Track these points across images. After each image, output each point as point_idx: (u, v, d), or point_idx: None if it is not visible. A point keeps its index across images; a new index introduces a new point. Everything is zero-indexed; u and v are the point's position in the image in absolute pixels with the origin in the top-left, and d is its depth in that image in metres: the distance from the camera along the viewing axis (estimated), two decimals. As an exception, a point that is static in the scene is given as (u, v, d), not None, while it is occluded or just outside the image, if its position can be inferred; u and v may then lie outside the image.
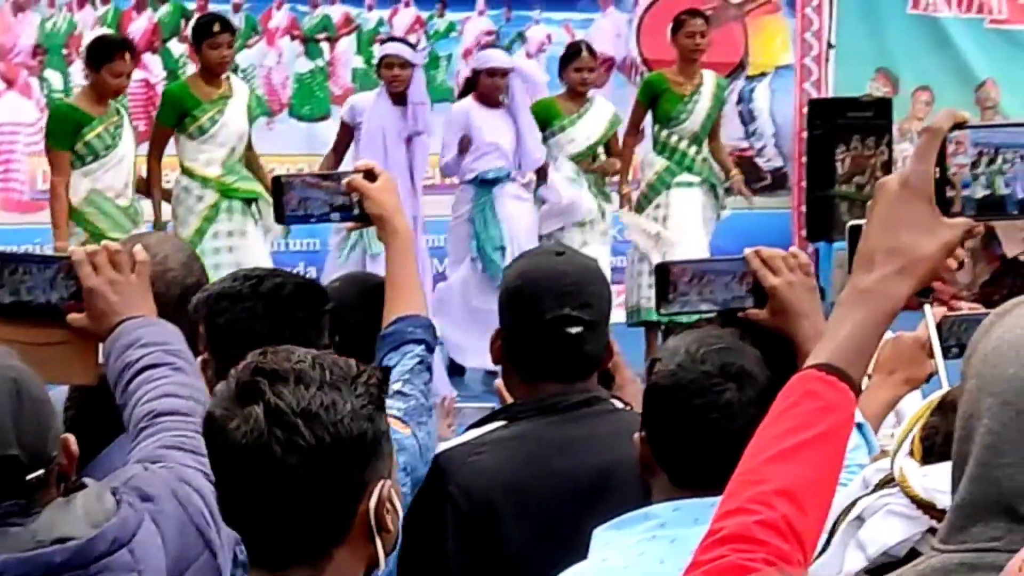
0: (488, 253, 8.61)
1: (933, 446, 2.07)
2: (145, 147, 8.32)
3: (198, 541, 2.06)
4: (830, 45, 11.79)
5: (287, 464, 1.72)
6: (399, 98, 8.40)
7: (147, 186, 8.20)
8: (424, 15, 10.88)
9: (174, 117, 8.13)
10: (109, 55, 7.78)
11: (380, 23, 10.76)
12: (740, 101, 11.66)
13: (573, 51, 9.08)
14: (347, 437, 1.74)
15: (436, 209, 9.05)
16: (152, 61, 10.07)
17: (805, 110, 11.48)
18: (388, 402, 1.91)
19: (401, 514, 1.83)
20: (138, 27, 10.06)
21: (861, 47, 11.89)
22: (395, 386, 2.68)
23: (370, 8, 10.76)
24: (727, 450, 1.82)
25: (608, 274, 9.29)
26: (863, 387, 2.98)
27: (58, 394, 2.58)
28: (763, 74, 11.84)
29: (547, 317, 2.75)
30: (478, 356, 8.12)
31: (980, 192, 1.69)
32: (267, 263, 7.82)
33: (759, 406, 1.93)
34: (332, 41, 10.71)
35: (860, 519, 2.11)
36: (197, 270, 2.80)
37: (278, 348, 1.82)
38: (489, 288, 8.35)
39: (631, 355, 3.20)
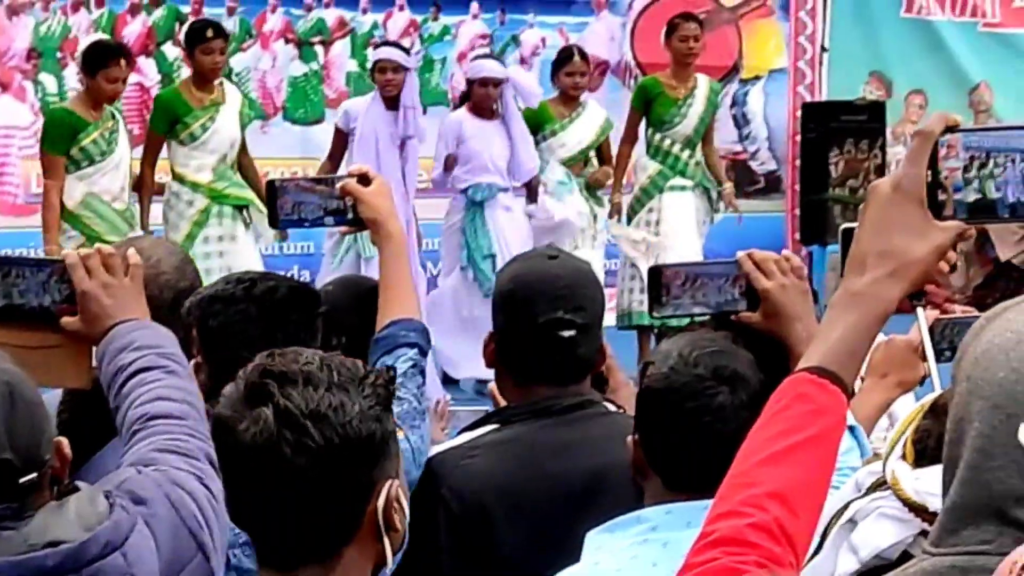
0: (477, 262, 8.62)
1: (925, 449, 2.07)
2: (140, 150, 8.32)
3: (191, 544, 2.06)
4: (824, 49, 11.80)
5: (297, 465, 1.74)
6: (392, 102, 8.40)
7: (139, 191, 8.20)
8: (418, 19, 10.89)
9: (166, 124, 8.14)
10: (104, 61, 7.78)
11: (374, 27, 10.76)
12: (734, 104, 11.67)
13: (565, 55, 9.08)
14: (356, 438, 1.76)
15: (430, 212, 9.05)
16: (146, 65, 10.07)
17: (799, 113, 11.49)
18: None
19: (408, 513, 1.84)
20: (132, 31, 10.06)
21: (855, 51, 11.90)
22: (388, 389, 2.68)
23: (364, 12, 10.76)
24: (720, 453, 1.83)
25: (601, 277, 9.28)
26: (856, 390, 3.00)
27: (52, 397, 2.58)
28: (757, 77, 11.85)
29: (540, 320, 2.75)
30: (469, 366, 8.13)
31: (971, 196, 1.70)
32: (258, 267, 7.83)
33: (752, 409, 1.93)
34: (326, 44, 10.71)
35: (852, 522, 2.11)
36: (190, 274, 2.81)
37: (285, 350, 1.83)
38: (478, 297, 8.37)
39: (624, 359, 3.20)
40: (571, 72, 8.91)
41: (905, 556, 2.00)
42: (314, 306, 2.62)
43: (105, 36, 9.22)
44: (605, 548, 2.25)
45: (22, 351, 2.28)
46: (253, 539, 1.84)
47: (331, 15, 10.69)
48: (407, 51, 8.73)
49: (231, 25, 10.21)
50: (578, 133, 8.97)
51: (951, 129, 1.70)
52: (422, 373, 2.83)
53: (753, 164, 11.90)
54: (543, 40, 11.18)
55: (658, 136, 9.13)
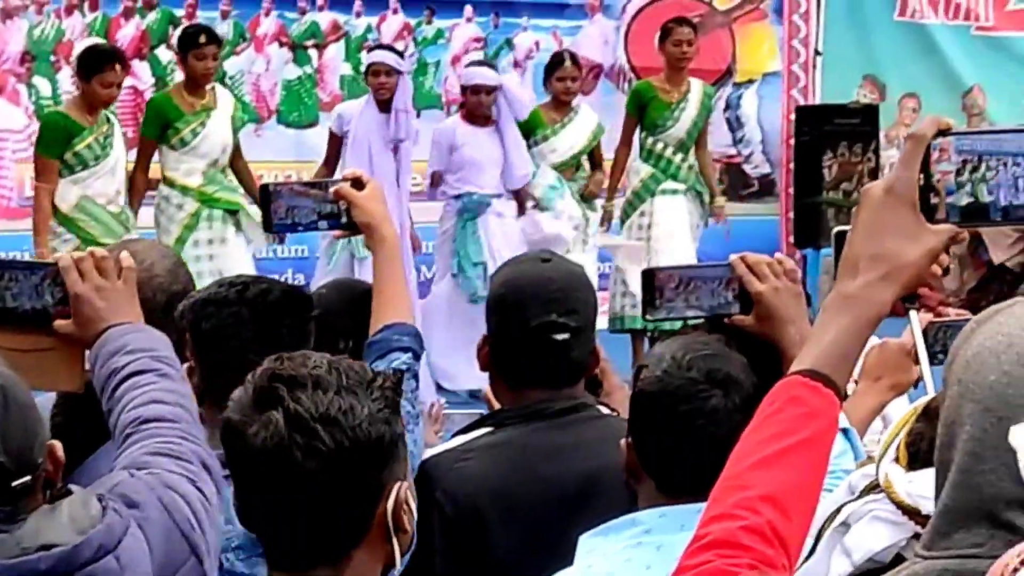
0: (465, 269, 8.63)
1: (918, 452, 2.07)
2: (135, 152, 8.32)
3: (184, 547, 2.06)
4: (817, 52, 11.81)
5: (307, 468, 1.75)
6: (385, 105, 8.41)
7: (129, 195, 8.19)
8: (412, 22, 10.89)
9: (157, 128, 8.13)
10: (99, 66, 7.77)
11: (368, 30, 10.76)
12: (728, 108, 11.67)
13: (556, 60, 9.08)
14: (365, 441, 1.77)
15: (423, 216, 9.05)
16: (140, 68, 10.06)
17: (792, 117, 11.49)
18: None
19: (416, 515, 1.86)
20: (126, 34, 10.05)
21: (848, 54, 11.91)
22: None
23: (358, 15, 10.76)
24: (713, 456, 1.83)
25: (595, 281, 9.29)
26: (849, 393, 3.00)
27: (45, 401, 2.58)
28: (751, 81, 11.86)
29: (533, 324, 2.76)
30: (464, 380, 8.12)
31: (964, 199, 1.70)
32: (249, 270, 7.83)
33: (745, 412, 1.93)
34: (320, 48, 10.71)
35: (846, 525, 2.11)
36: (183, 277, 2.80)
37: (293, 354, 1.85)
38: (466, 305, 8.36)
39: (618, 362, 3.20)
40: (562, 77, 8.91)
41: (898, 559, 2.00)
42: (307, 310, 2.62)
43: (100, 40, 9.22)
44: (598, 551, 2.25)
45: (15, 354, 2.28)
46: (263, 542, 1.85)
47: (325, 18, 10.69)
48: (401, 54, 8.72)
49: (225, 28, 10.21)
50: (569, 139, 8.97)
51: (943, 132, 1.70)
52: (416, 377, 2.84)
53: (747, 167, 11.90)
54: (537, 44, 11.17)
55: (651, 140, 9.13)
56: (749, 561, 1.58)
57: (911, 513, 2.03)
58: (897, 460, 2.09)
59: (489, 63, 9.37)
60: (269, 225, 2.91)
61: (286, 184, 2.98)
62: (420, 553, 2.69)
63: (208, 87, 8.21)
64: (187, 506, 2.08)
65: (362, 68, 9.18)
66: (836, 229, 2.03)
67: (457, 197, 8.68)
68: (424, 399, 3.78)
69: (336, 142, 8.59)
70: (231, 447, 1.82)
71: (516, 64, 11.07)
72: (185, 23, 9.71)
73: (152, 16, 10.20)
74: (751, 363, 2.30)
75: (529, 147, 8.82)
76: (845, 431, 2.46)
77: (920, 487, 2.00)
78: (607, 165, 9.36)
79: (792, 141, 11.42)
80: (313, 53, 10.69)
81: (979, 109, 12.04)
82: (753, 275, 2.40)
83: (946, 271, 1.80)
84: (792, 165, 11.43)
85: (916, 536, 1.99)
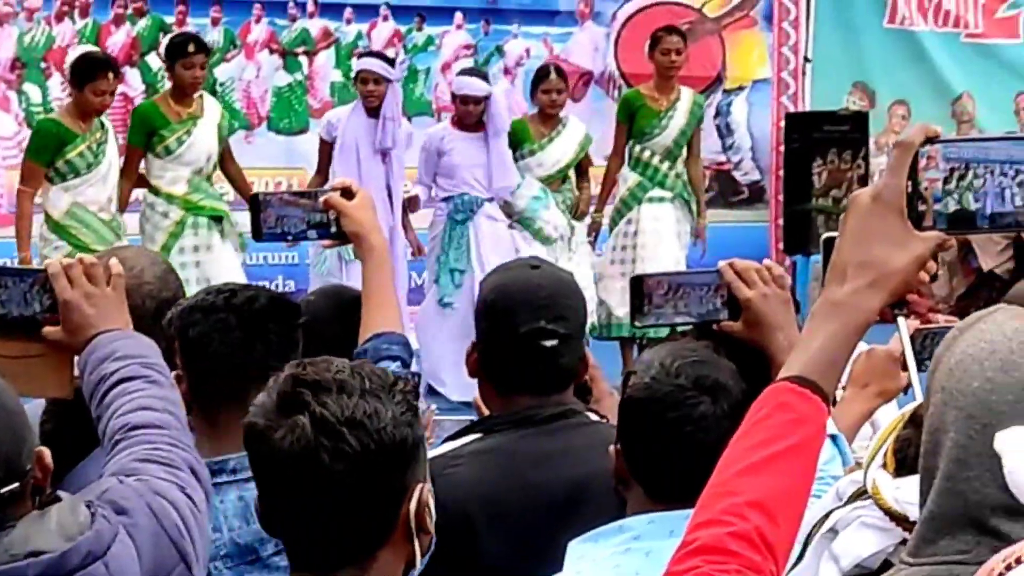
0: (439, 275, 8.63)
1: (906, 458, 2.07)
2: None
3: (173, 554, 2.06)
4: (807, 59, 11.83)
5: (335, 471, 1.78)
6: (374, 112, 8.41)
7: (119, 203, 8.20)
8: (403, 29, 10.89)
9: (143, 136, 8.13)
10: (92, 74, 7.77)
11: (359, 36, 10.76)
12: (717, 115, 11.69)
13: (542, 73, 9.06)
14: (390, 443, 1.80)
15: (416, 222, 9.04)
16: (131, 75, 10.06)
17: (782, 124, 11.51)
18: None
19: (435, 515, 1.88)
20: (116, 41, 10.05)
21: (838, 61, 11.93)
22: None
23: (349, 22, 10.77)
24: (701, 463, 1.83)
25: (592, 289, 9.24)
26: (838, 399, 3.00)
27: (34, 407, 2.58)
28: (740, 88, 11.87)
29: (522, 330, 2.76)
30: (453, 385, 8.13)
31: (951, 206, 1.70)
32: (237, 275, 7.84)
33: (733, 419, 1.94)
34: (311, 55, 10.71)
35: (834, 531, 2.12)
36: (173, 284, 2.80)
37: (315, 359, 1.87)
38: (458, 311, 8.35)
39: (607, 369, 3.21)
40: (547, 90, 8.89)
41: (886, 565, 2.01)
42: (294, 317, 2.62)
43: (94, 48, 9.21)
44: (587, 557, 2.25)
45: (4, 361, 2.28)
46: (287, 545, 1.87)
47: (315, 25, 10.69)
48: (392, 62, 8.70)
49: (215, 35, 10.21)
50: (556, 154, 8.95)
51: (931, 140, 1.71)
52: (405, 385, 2.83)
53: (737, 174, 11.92)
54: (527, 50, 11.18)
55: (638, 147, 9.13)
56: (737, 567, 1.58)
57: (899, 519, 2.03)
58: (885, 466, 2.10)
59: (480, 72, 9.36)
60: (259, 234, 2.91)
61: (275, 194, 2.99)
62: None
63: (195, 95, 8.20)
64: (176, 513, 2.08)
65: (353, 71, 9.17)
66: (825, 236, 2.04)
67: (448, 199, 8.68)
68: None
69: (327, 149, 8.59)
70: (255, 452, 1.84)
71: (506, 71, 11.08)
72: (175, 30, 9.71)
73: (142, 23, 10.20)
74: (740, 369, 2.31)
75: (516, 160, 8.82)
76: (833, 437, 2.46)
77: (907, 493, 2.00)
78: (596, 172, 9.37)
79: (782, 148, 11.43)
80: (303, 60, 10.69)
81: (969, 116, 12.07)
82: (742, 281, 2.40)
83: (934, 277, 1.80)
84: (782, 172, 11.45)
85: (904, 542, 1.99)
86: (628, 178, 9.17)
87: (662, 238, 9.07)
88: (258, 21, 10.56)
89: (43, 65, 9.91)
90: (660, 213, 9.10)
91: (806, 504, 1.69)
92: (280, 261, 10.10)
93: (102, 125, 8.02)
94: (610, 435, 2.41)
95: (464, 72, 9.19)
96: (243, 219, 7.98)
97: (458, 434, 2.87)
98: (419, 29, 10.97)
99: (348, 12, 10.75)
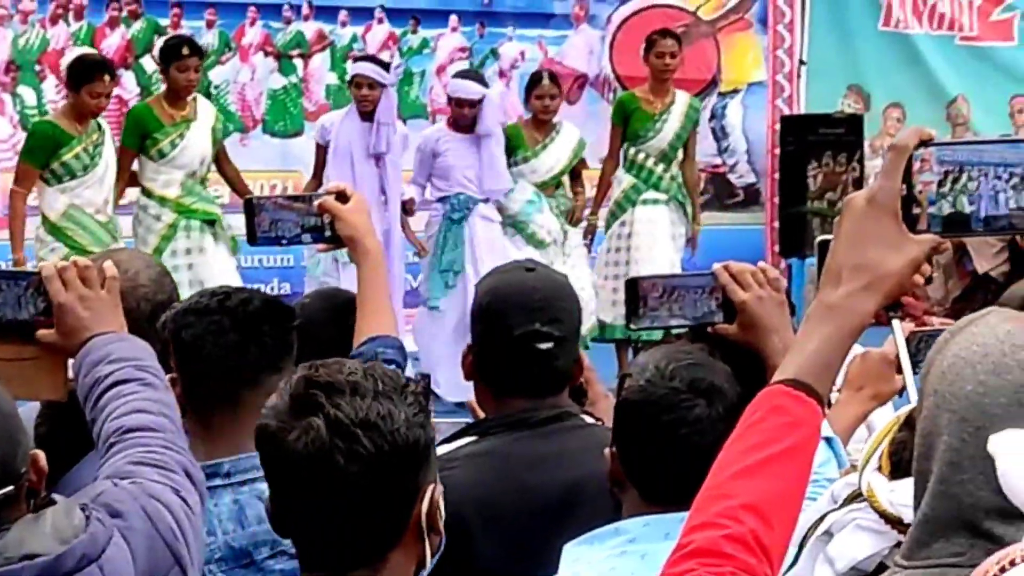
0: (431, 275, 8.64)
1: (901, 461, 2.07)
2: (116, 162, 8.32)
3: (168, 557, 2.06)
4: (802, 62, 11.83)
5: (349, 473, 1.78)
6: (368, 116, 8.41)
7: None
8: (398, 32, 10.89)
9: (136, 139, 8.12)
10: (89, 76, 7.76)
11: (354, 39, 10.76)
12: (713, 118, 11.69)
13: (535, 79, 9.06)
14: (403, 445, 1.81)
15: (411, 225, 9.04)
16: (125, 77, 10.05)
17: (777, 126, 11.51)
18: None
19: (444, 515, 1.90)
20: (111, 43, 10.04)
21: (833, 64, 11.93)
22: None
23: (343, 25, 10.76)
24: (697, 465, 1.83)
25: (590, 291, 9.21)
26: (832, 401, 3.01)
27: (29, 410, 2.57)
28: (735, 91, 11.88)
29: (516, 333, 2.76)
30: (449, 387, 8.13)
31: (945, 209, 1.71)
32: (230, 277, 7.84)
33: (728, 421, 1.94)
34: (306, 57, 10.71)
35: (829, 534, 2.12)
36: (168, 286, 2.80)
37: (327, 361, 1.88)
38: (454, 314, 8.35)
39: (603, 371, 3.21)
40: (540, 95, 8.88)
41: (881, 568, 2.01)
42: (288, 320, 2.62)
43: (91, 50, 9.20)
44: (583, 560, 2.26)
45: (-2, 363, 2.28)
46: (298, 545, 1.87)
47: (310, 28, 10.69)
48: (387, 67, 8.69)
49: (210, 38, 10.21)
50: (550, 160, 8.94)
51: (925, 143, 1.71)
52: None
53: (732, 177, 11.92)
54: (522, 53, 11.19)
55: (632, 150, 9.14)
56: (732, 570, 1.59)
57: (893, 522, 2.03)
58: (880, 469, 2.10)
59: (476, 74, 9.34)
60: (253, 238, 2.91)
61: (270, 198, 2.99)
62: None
63: (189, 98, 8.20)
64: (171, 515, 2.08)
65: (348, 75, 9.18)
66: (819, 238, 2.04)
67: (443, 200, 8.68)
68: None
69: (322, 153, 8.59)
70: (268, 453, 1.84)
71: (501, 74, 11.08)
72: (170, 33, 9.71)
73: (137, 25, 10.20)
74: (735, 372, 2.31)
75: (510, 166, 8.81)
76: (829, 440, 2.46)
77: (902, 496, 2.00)
78: (592, 175, 9.37)
79: (777, 151, 11.44)
80: (298, 63, 10.69)
81: (963, 119, 12.08)
82: (737, 284, 2.41)
83: (929, 280, 1.80)
84: (777, 175, 11.45)
85: (899, 545, 1.99)
86: (622, 180, 9.18)
87: (656, 240, 9.07)
88: (253, 24, 10.55)
89: (38, 68, 9.91)
90: (654, 215, 9.10)
91: (801, 507, 1.69)
92: (275, 264, 10.10)
93: (99, 127, 8.01)
94: (605, 438, 2.41)
95: (459, 75, 9.18)
96: (237, 222, 8.00)
97: (453, 437, 2.87)
98: (414, 32, 10.97)
99: (343, 15, 10.75)
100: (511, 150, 8.81)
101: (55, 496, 2.00)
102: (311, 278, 8.63)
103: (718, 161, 11.82)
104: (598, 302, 9.05)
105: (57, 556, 1.91)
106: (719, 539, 1.60)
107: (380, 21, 10.84)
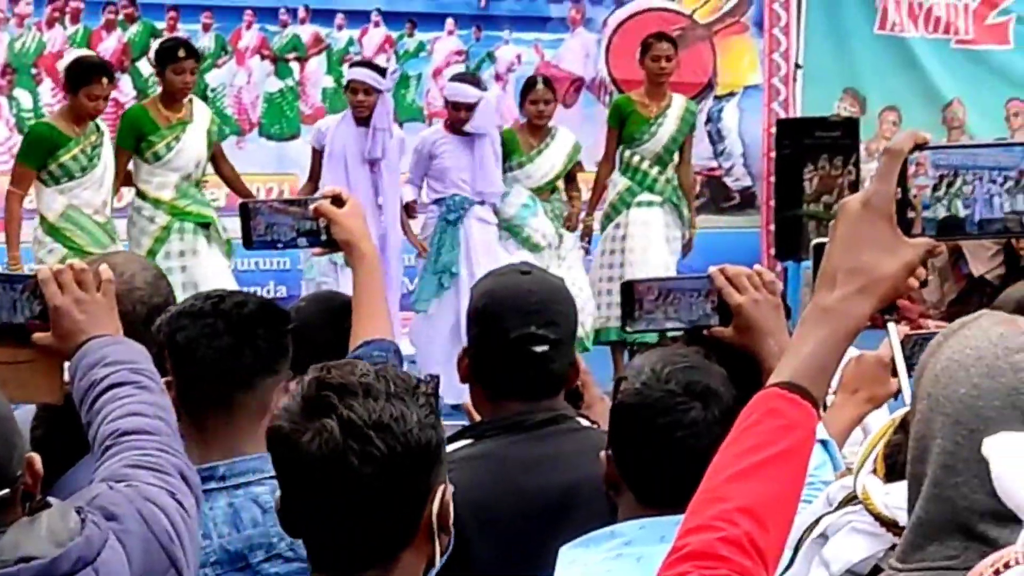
0: (424, 276, 8.64)
1: (896, 464, 2.07)
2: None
3: (163, 559, 2.06)
4: (798, 65, 11.85)
5: (362, 474, 1.79)
6: (364, 121, 8.40)
7: None
8: (394, 35, 10.90)
9: (132, 140, 8.11)
10: (87, 78, 7.75)
11: (350, 43, 10.77)
12: (708, 121, 11.70)
13: (529, 84, 9.05)
14: (416, 446, 1.82)
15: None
16: (122, 80, 10.05)
17: (773, 130, 11.53)
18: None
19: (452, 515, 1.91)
20: (107, 47, 10.04)
21: (828, 67, 11.95)
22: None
23: (340, 28, 10.77)
24: (692, 468, 1.83)
25: (588, 292, 9.19)
26: (828, 404, 3.00)
27: (25, 413, 2.57)
28: (731, 94, 11.89)
29: (512, 336, 2.76)
30: (445, 392, 8.11)
31: (940, 213, 1.71)
32: (224, 279, 7.84)
33: (724, 424, 1.94)
34: (302, 61, 10.71)
35: (824, 536, 2.12)
36: (164, 289, 2.80)
37: (339, 362, 1.89)
38: (451, 317, 8.35)
39: (598, 374, 3.21)
40: (535, 100, 8.87)
41: (876, 570, 2.01)
42: (283, 323, 2.61)
43: (89, 52, 9.20)
44: (579, 563, 2.26)
45: (-6, 367, 2.28)
46: (309, 546, 1.88)
47: (306, 31, 10.70)
48: (383, 72, 8.67)
49: (207, 41, 10.21)
50: (544, 166, 8.94)
51: (920, 147, 1.72)
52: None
53: (728, 180, 11.93)
54: (518, 57, 11.19)
55: (628, 153, 9.15)
56: (727, 572, 1.59)
57: (889, 525, 2.03)
58: (875, 472, 2.10)
59: (473, 77, 9.33)
60: (249, 242, 2.91)
61: (265, 202, 2.99)
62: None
63: (185, 100, 8.19)
64: (166, 518, 2.08)
65: (344, 80, 9.18)
66: (815, 241, 2.04)
67: (439, 201, 8.68)
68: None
69: (318, 158, 8.58)
70: (281, 455, 1.85)
71: (498, 77, 11.09)
72: (166, 36, 9.70)
73: (133, 29, 10.20)
74: (730, 375, 2.31)
75: (504, 171, 8.81)
76: (824, 442, 2.47)
77: (897, 499, 2.00)
78: (588, 177, 9.38)
79: (773, 154, 11.45)
80: (295, 66, 10.70)
81: (959, 122, 12.10)
82: (732, 287, 2.41)
83: (924, 283, 1.81)
84: (773, 178, 11.46)
85: (894, 548, 1.99)
86: (618, 183, 9.19)
87: (650, 243, 9.07)
88: (249, 27, 10.56)
89: (34, 71, 9.91)
90: (649, 217, 9.11)
91: (796, 509, 1.70)
92: (271, 267, 10.10)
93: (97, 128, 7.99)
94: (601, 441, 2.41)
95: (456, 78, 9.17)
96: (233, 225, 8.00)
97: (448, 439, 2.87)
98: (410, 35, 10.97)
99: (339, 18, 10.76)
100: (506, 155, 8.81)
101: (51, 499, 2.00)
102: (308, 280, 8.63)
103: (714, 164, 11.83)
104: (595, 304, 9.05)
105: (53, 559, 1.91)
106: (714, 542, 1.60)
107: (376, 24, 10.84)
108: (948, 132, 11.90)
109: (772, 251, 11.35)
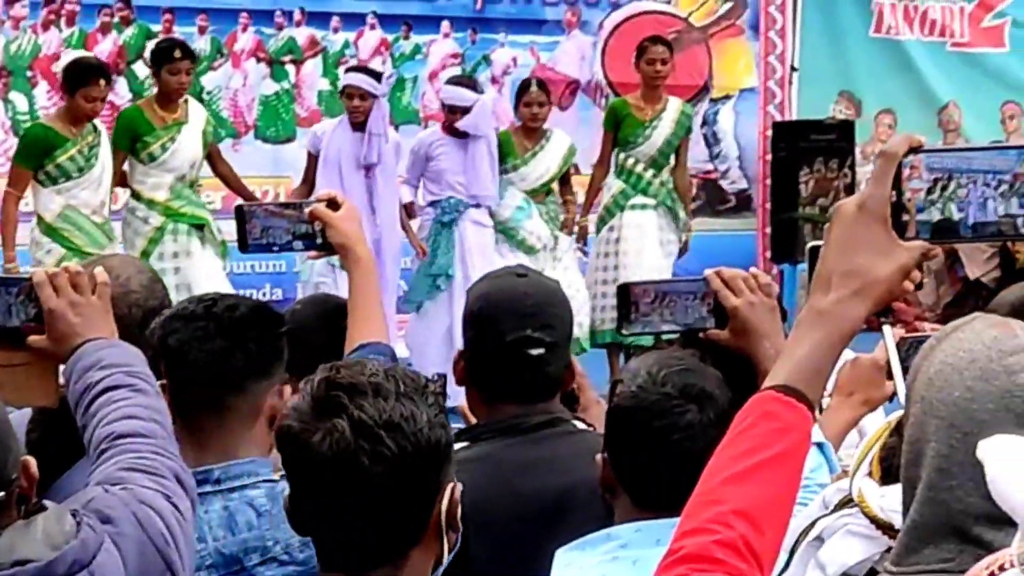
0: (415, 278, 8.64)
1: (891, 467, 2.08)
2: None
3: (158, 562, 2.06)
4: (793, 68, 11.85)
5: (373, 473, 1.80)
6: (360, 126, 8.39)
7: None
8: (390, 38, 10.90)
9: (127, 141, 8.10)
10: (85, 79, 7.74)
11: (346, 45, 10.77)
12: (704, 124, 11.71)
13: (523, 86, 9.05)
14: (426, 445, 1.83)
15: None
16: (117, 83, 10.04)
17: (769, 132, 11.53)
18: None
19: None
20: (103, 49, 10.03)
21: (824, 70, 11.96)
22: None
23: (336, 30, 10.77)
24: (688, 471, 1.84)
25: (584, 294, 9.17)
26: (824, 406, 3.01)
27: (21, 416, 2.57)
28: (727, 97, 11.89)
29: (508, 339, 2.76)
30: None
31: (934, 216, 1.71)
32: (218, 281, 7.83)
33: (720, 427, 1.94)
34: (298, 63, 10.71)
35: (820, 539, 2.12)
36: (159, 292, 2.80)
37: (348, 362, 1.90)
38: (446, 320, 8.35)
39: (594, 377, 3.21)
40: (529, 103, 8.87)
41: (872, 573, 2.01)
42: (275, 326, 2.60)
43: (87, 54, 9.19)
44: (575, 565, 2.26)
45: (-11, 370, 2.28)
46: (319, 545, 1.89)
47: (302, 34, 10.69)
48: (379, 77, 8.65)
49: (202, 44, 10.20)
50: (539, 168, 8.93)
51: (915, 150, 1.72)
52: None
53: (724, 183, 11.93)
54: (514, 59, 11.19)
55: (623, 156, 9.15)
56: (722, 575, 1.59)
57: (884, 527, 2.04)
58: (871, 475, 2.10)
59: (469, 80, 9.32)
60: (244, 245, 2.91)
61: (260, 205, 2.99)
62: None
63: (181, 100, 8.19)
64: (162, 521, 2.08)
65: (340, 84, 9.17)
66: (810, 244, 2.04)
67: (434, 204, 8.68)
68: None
69: (313, 161, 8.55)
70: (291, 455, 1.86)
71: (493, 80, 11.08)
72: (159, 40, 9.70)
73: (129, 31, 10.19)
74: (726, 378, 2.31)
75: (499, 174, 8.80)
76: (820, 445, 2.47)
77: (893, 501, 2.01)
78: (583, 180, 9.38)
79: (769, 157, 11.46)
80: (291, 68, 10.69)
81: (955, 125, 12.11)
82: (728, 290, 2.41)
83: (919, 286, 1.81)
84: (769, 181, 11.47)
85: (889, 550, 1.99)
86: (612, 186, 9.20)
87: (645, 246, 9.07)
88: (245, 30, 10.55)
89: (29, 74, 9.90)
90: (643, 220, 9.11)
91: (791, 512, 1.70)
92: (267, 269, 10.10)
93: (95, 128, 7.98)
94: (596, 444, 2.41)
95: (452, 81, 9.17)
96: (229, 227, 7.99)
97: (445, 442, 2.86)
98: (406, 38, 10.97)
99: (335, 21, 10.75)
100: (501, 157, 8.81)
101: (46, 502, 2.00)
102: (303, 283, 8.63)
103: (710, 167, 11.83)
104: (590, 307, 9.05)
105: (48, 562, 1.91)
106: (710, 545, 1.60)
107: (372, 27, 10.84)
108: (944, 135, 11.92)
109: (768, 254, 11.35)
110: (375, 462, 1.80)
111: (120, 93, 10.06)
